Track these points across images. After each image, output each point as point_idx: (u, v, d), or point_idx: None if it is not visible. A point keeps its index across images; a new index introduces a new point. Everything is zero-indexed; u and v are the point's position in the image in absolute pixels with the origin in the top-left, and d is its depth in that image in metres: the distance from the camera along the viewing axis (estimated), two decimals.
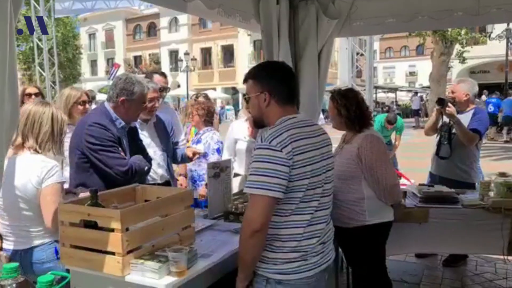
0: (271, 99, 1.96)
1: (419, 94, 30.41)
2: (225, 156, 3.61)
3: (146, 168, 2.80)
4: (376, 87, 30.87)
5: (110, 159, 2.60)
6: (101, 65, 46.04)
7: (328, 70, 4.25)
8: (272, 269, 1.87)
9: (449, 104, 4.04)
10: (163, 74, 4.00)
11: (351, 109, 2.83)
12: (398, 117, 7.01)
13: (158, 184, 3.18)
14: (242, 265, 1.89)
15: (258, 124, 2.12)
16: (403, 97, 38.87)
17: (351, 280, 3.35)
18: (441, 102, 4.11)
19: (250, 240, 1.81)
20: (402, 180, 4.43)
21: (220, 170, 2.76)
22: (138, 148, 2.92)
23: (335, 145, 2.79)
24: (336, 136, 3.04)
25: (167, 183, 3.26)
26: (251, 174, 1.82)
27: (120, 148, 2.70)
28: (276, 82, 1.98)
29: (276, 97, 1.97)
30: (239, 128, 3.63)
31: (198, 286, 1.92)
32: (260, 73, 2.03)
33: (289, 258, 1.87)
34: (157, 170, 3.23)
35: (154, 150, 3.21)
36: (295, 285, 1.87)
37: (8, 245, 2.36)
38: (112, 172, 2.60)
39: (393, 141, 6.91)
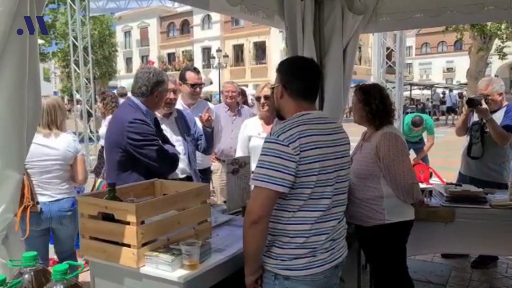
0: (284, 92, 2.02)
1: (454, 91, 29.54)
2: (239, 154, 3.61)
3: (178, 155, 2.96)
4: (411, 84, 30.12)
5: (154, 152, 2.73)
6: (136, 62, 46.88)
7: (353, 66, 4.20)
8: (280, 265, 1.88)
9: (482, 102, 3.93)
10: (196, 70, 4.05)
11: (374, 103, 2.80)
12: (427, 117, 6.83)
13: (179, 179, 3.24)
14: (245, 256, 1.92)
15: (278, 115, 2.17)
16: (440, 95, 37.80)
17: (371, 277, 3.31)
18: (472, 102, 4.00)
19: (249, 231, 1.85)
20: (434, 179, 4.35)
21: (239, 166, 2.78)
22: (162, 138, 3.03)
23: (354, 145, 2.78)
24: (356, 137, 3.02)
25: (188, 178, 3.31)
26: (257, 167, 1.86)
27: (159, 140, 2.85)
28: (291, 76, 2.02)
29: (289, 91, 2.01)
30: (252, 125, 3.62)
31: (211, 280, 1.94)
32: (281, 65, 2.09)
33: (297, 254, 1.87)
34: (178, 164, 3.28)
35: (174, 144, 3.27)
36: (303, 281, 1.87)
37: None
38: (156, 164, 2.73)
39: (425, 140, 6.75)
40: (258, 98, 3.54)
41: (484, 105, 3.95)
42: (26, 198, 2.96)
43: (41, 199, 3.12)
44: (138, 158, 2.72)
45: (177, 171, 3.23)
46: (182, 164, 3.28)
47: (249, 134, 3.56)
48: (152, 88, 2.85)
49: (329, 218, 1.94)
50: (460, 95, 28.58)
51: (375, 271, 3.03)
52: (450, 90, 29.70)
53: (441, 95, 29.14)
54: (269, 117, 3.50)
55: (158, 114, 3.26)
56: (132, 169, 2.76)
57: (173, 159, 2.86)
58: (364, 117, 2.87)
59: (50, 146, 3.19)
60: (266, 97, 3.44)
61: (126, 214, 1.85)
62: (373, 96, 2.82)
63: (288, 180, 1.81)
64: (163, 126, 3.22)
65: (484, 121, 4.00)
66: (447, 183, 3.99)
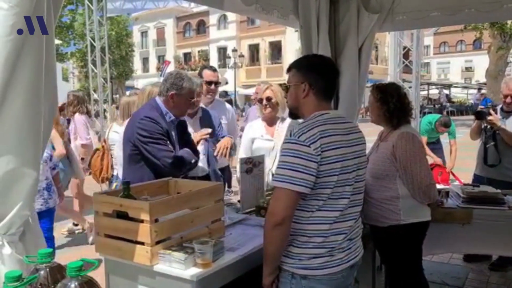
0: (310, 90, 1.98)
1: (482, 91, 29.16)
2: (241, 156, 3.62)
3: (193, 161, 2.91)
4: (428, 84, 29.80)
5: (158, 151, 2.75)
6: (153, 62, 47.30)
7: (369, 66, 4.17)
8: (297, 264, 1.88)
9: (491, 112, 3.92)
10: (213, 69, 4.10)
11: (391, 101, 2.77)
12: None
13: (198, 177, 3.30)
14: (266, 257, 1.91)
15: (293, 114, 2.16)
16: (458, 94, 37.31)
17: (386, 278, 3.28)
18: (480, 115, 4.01)
19: (272, 232, 1.83)
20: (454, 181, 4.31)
21: (252, 166, 2.79)
22: (187, 141, 3.06)
23: (370, 145, 2.76)
24: (373, 137, 3.00)
25: (206, 177, 3.35)
26: (278, 168, 1.85)
27: (168, 141, 2.84)
28: (317, 75, 1.99)
29: (315, 90, 1.98)
30: (255, 127, 3.62)
31: (223, 279, 1.95)
32: (304, 63, 2.07)
33: (314, 254, 1.87)
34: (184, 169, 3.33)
35: (202, 146, 3.32)
36: (320, 280, 1.87)
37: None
38: (159, 163, 2.75)
39: (441, 139, 6.65)
40: (260, 100, 3.53)
41: (494, 115, 3.98)
42: (104, 171, 4.37)
43: (115, 172, 4.28)
44: (144, 153, 2.79)
45: (196, 169, 3.27)
46: (201, 163, 3.31)
47: (252, 136, 3.56)
48: (167, 89, 2.86)
49: (347, 218, 1.93)
50: (479, 90, 28.20)
51: (390, 272, 3.00)
52: (479, 90, 29.16)
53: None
54: (271, 118, 3.52)
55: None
56: (141, 163, 2.83)
57: (178, 162, 2.80)
58: (381, 116, 2.83)
59: None
60: (268, 99, 3.47)
61: (140, 212, 1.86)
62: (390, 95, 2.79)
63: (310, 180, 1.80)
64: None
65: (495, 130, 4.05)
66: (465, 184, 3.93)
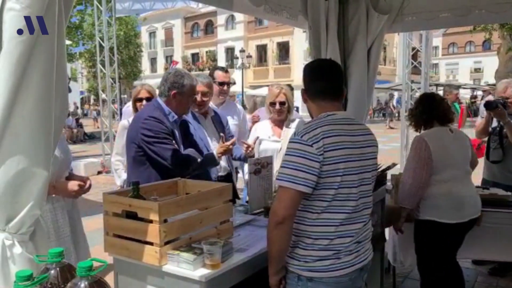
0: (304, 95, 2.06)
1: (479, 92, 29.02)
2: None
3: (199, 160, 2.89)
4: (437, 85, 29.62)
5: (164, 151, 2.71)
6: (161, 62, 47.47)
7: (377, 66, 4.16)
8: (303, 266, 1.87)
9: (499, 105, 3.90)
10: (224, 69, 4.13)
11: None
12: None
13: (221, 176, 3.34)
14: (270, 257, 1.91)
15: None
16: (467, 95, 37.06)
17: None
18: (489, 105, 3.97)
19: (274, 231, 1.84)
20: None
21: (261, 166, 2.78)
22: (190, 142, 3.05)
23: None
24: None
25: (229, 175, 3.39)
26: (281, 167, 1.85)
27: (173, 141, 2.82)
28: (308, 79, 2.06)
29: (308, 93, 2.05)
30: (263, 128, 3.61)
31: (232, 279, 1.94)
32: (303, 71, 2.11)
33: (320, 256, 1.86)
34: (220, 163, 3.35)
35: (216, 143, 3.32)
36: (327, 283, 1.86)
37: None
38: (166, 163, 2.71)
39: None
40: (273, 104, 3.50)
41: (502, 109, 3.94)
42: None
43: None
44: (150, 154, 2.74)
45: (220, 169, 3.33)
46: (224, 162, 3.34)
47: (259, 138, 3.56)
48: (169, 89, 2.83)
49: (355, 220, 1.92)
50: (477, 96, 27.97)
51: None
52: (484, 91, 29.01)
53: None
54: (280, 121, 3.52)
55: (197, 114, 3.34)
56: (147, 164, 2.78)
57: (185, 161, 2.78)
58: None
59: None
60: (282, 103, 3.45)
61: (149, 212, 1.86)
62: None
63: (312, 180, 1.80)
64: (202, 125, 3.33)
65: (502, 124, 3.99)
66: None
